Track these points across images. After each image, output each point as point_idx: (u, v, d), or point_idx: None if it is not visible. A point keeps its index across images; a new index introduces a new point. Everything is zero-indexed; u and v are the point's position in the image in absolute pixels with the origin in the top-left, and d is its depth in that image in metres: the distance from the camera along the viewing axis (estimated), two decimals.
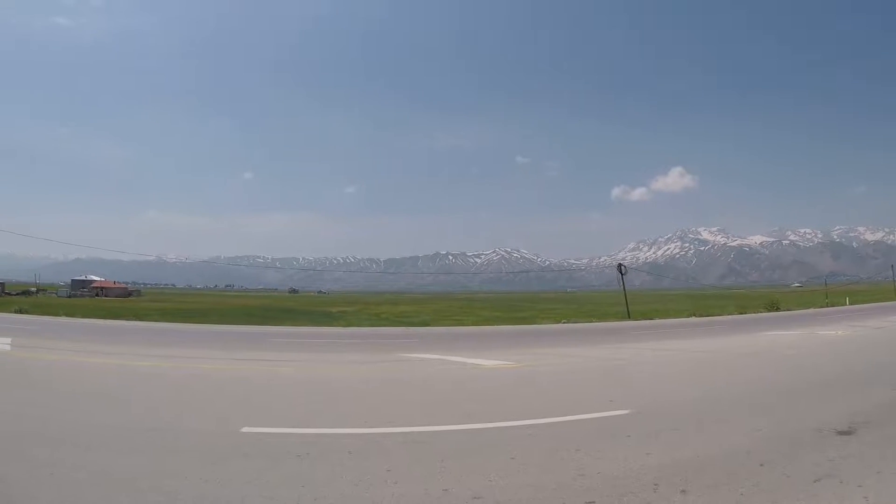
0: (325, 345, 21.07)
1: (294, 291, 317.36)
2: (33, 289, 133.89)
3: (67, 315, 37.42)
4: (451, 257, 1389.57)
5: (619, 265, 55.98)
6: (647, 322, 39.06)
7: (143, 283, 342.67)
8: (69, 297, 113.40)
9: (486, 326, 36.01)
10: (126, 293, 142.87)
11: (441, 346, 19.37)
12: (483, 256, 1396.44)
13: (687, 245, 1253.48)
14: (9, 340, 17.68)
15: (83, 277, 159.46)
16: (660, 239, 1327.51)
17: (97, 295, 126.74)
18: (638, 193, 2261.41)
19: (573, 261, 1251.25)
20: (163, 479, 4.94)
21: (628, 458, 5.43)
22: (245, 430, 6.68)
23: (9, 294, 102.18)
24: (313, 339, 23.51)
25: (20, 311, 38.82)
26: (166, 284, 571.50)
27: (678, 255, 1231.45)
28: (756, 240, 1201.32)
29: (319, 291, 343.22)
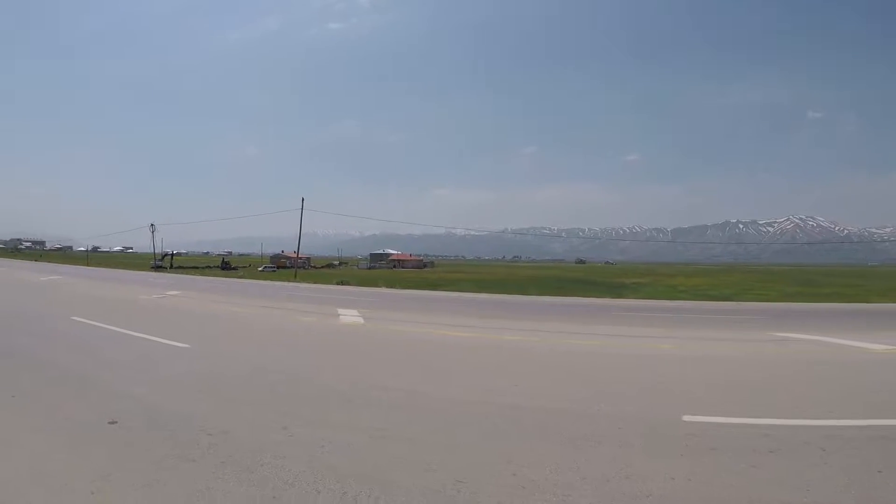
0: (672, 320, 20.69)
1: (581, 262, 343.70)
2: (336, 262, 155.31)
3: (387, 286, 39.73)
4: (741, 226, 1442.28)
5: None
6: None
7: (435, 256, 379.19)
8: (369, 268, 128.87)
9: (798, 303, 33.31)
10: (421, 265, 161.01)
11: (796, 325, 18.70)
12: (775, 225, 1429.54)
13: None
14: (355, 312, 19.38)
15: (381, 251, 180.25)
16: None
17: (394, 267, 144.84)
18: None
19: (875, 230, 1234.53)
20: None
21: None
22: (687, 418, 6.67)
23: (314, 267, 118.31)
24: (650, 314, 23.25)
25: (341, 283, 43.11)
26: (456, 256, 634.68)
27: None
28: None
29: (607, 262, 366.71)
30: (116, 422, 6.07)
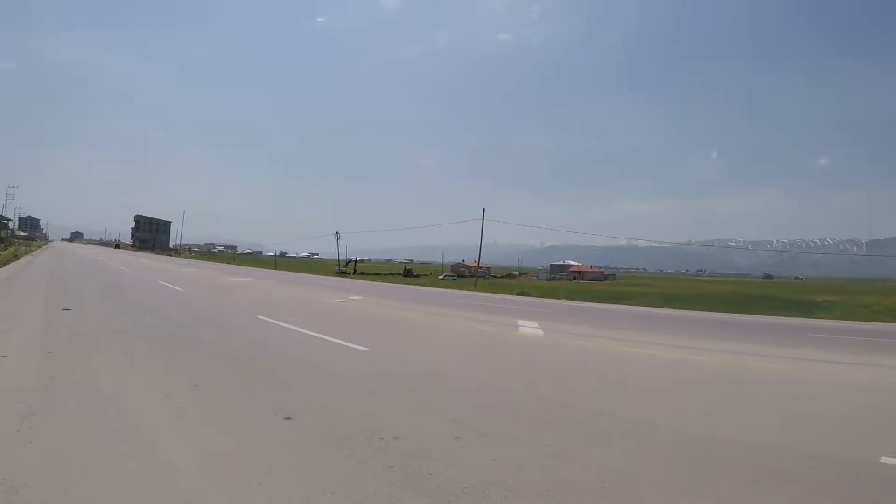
0: (868, 345, 18.94)
1: (768, 277, 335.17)
2: (516, 272, 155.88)
3: (568, 298, 39.60)
4: None
5: None
6: None
7: (615, 268, 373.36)
8: (549, 279, 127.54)
9: None
10: (602, 277, 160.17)
11: None
12: None
13: None
14: (535, 323, 19.23)
15: (561, 262, 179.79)
16: None
17: (574, 278, 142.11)
18: None
19: None
20: None
21: None
22: (885, 460, 5.94)
23: (494, 276, 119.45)
24: (842, 336, 21.38)
25: (521, 294, 43.65)
26: (637, 269, 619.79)
27: None
28: None
29: (796, 277, 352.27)
30: (291, 418, 6.35)
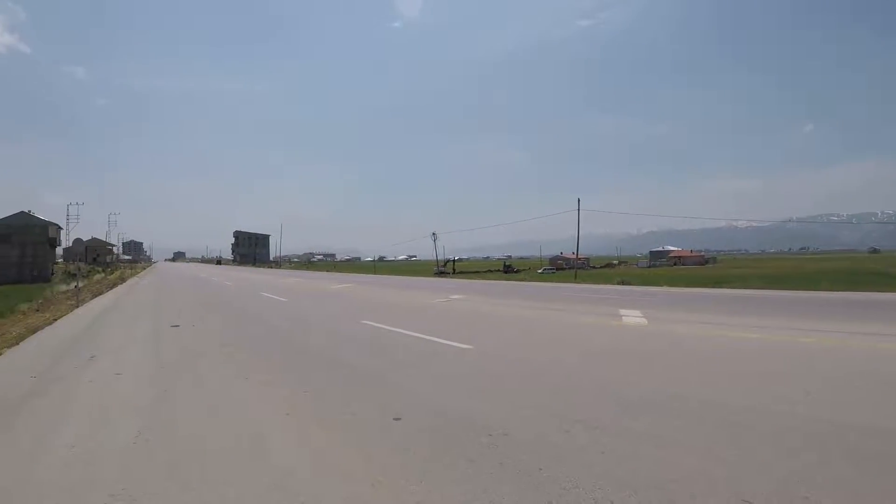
0: None
1: (874, 251, 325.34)
2: (615, 261, 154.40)
3: (669, 285, 39.09)
4: None
5: None
6: None
7: (716, 251, 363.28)
8: (648, 266, 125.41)
9: None
10: (703, 261, 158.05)
11: None
12: None
13: None
14: (638, 312, 18.84)
15: (660, 248, 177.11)
16: None
17: (675, 264, 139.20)
18: None
19: None
20: None
21: None
22: None
23: (593, 267, 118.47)
24: None
25: (622, 283, 44.10)
26: (738, 250, 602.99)
27: None
28: None
29: None
30: (400, 418, 6.38)
